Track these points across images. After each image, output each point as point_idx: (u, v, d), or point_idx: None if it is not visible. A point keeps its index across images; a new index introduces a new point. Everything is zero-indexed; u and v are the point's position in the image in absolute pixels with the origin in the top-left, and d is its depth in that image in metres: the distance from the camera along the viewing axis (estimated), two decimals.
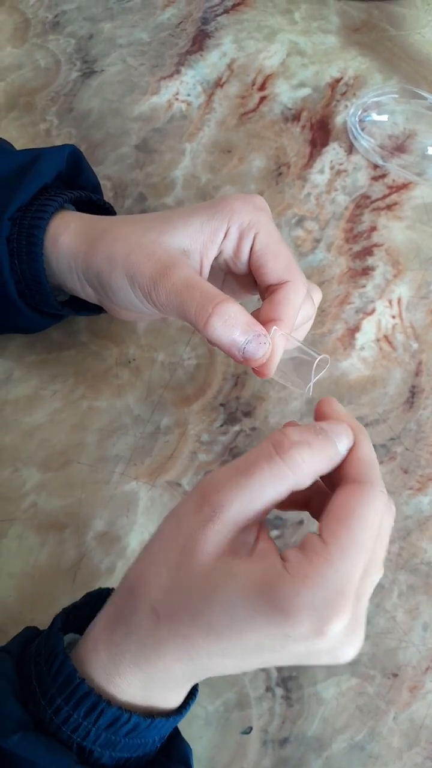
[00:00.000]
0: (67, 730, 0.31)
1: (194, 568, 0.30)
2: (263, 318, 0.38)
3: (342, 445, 0.32)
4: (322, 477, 0.33)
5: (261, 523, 0.32)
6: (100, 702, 0.31)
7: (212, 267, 0.42)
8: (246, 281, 0.43)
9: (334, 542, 0.29)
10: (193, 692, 0.35)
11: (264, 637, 0.28)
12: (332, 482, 0.33)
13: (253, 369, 0.39)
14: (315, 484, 0.33)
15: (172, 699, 0.33)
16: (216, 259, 0.41)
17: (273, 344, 0.37)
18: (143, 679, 0.31)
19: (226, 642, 0.29)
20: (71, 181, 0.47)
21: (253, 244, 0.40)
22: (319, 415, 0.35)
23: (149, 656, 0.31)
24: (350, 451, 0.33)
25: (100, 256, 0.40)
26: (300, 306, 0.40)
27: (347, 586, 0.28)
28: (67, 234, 0.42)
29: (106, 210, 0.48)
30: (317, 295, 0.43)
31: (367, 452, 0.33)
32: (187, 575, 0.30)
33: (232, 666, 0.31)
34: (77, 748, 0.31)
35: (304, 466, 0.30)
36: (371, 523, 0.30)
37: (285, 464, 0.30)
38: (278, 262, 0.40)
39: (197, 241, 0.39)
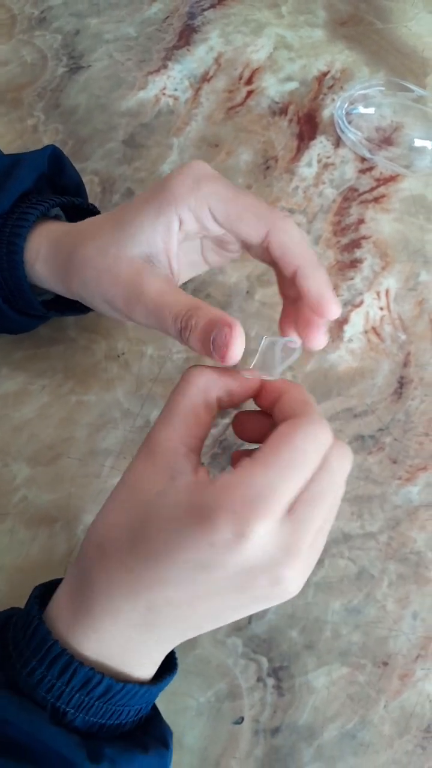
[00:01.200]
0: (41, 691, 0.31)
1: (135, 498, 0.32)
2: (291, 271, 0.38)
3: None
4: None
5: (198, 460, 0.34)
6: (72, 662, 0.31)
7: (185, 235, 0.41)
8: (225, 238, 0.41)
9: (259, 457, 0.30)
10: (171, 668, 0.36)
11: (192, 551, 0.29)
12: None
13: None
14: (268, 422, 0.35)
15: (145, 665, 0.34)
16: (187, 234, 0.40)
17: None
18: (99, 631, 0.32)
19: (162, 566, 0.30)
20: (54, 181, 0.47)
21: (213, 217, 0.38)
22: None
23: (99, 599, 0.32)
24: (282, 395, 0.34)
25: (76, 282, 0.40)
26: (299, 238, 0.37)
27: (268, 491, 0.29)
28: (39, 263, 0.42)
29: (89, 211, 0.48)
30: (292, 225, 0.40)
31: (300, 393, 0.34)
32: (129, 506, 0.32)
33: (177, 602, 0.31)
34: (51, 709, 0.32)
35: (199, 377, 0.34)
36: (301, 447, 0.30)
37: (186, 382, 0.34)
38: (247, 221, 0.37)
39: (156, 242, 0.38)
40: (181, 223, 0.38)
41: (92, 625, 0.32)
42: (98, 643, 0.32)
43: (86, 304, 0.42)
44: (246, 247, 0.41)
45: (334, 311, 0.37)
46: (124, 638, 0.32)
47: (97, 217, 0.42)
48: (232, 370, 0.35)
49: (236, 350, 0.34)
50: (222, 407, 0.36)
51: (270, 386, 0.36)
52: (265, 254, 0.39)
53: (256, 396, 0.36)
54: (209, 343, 0.34)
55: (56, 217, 0.48)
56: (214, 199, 0.37)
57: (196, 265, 0.45)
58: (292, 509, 0.30)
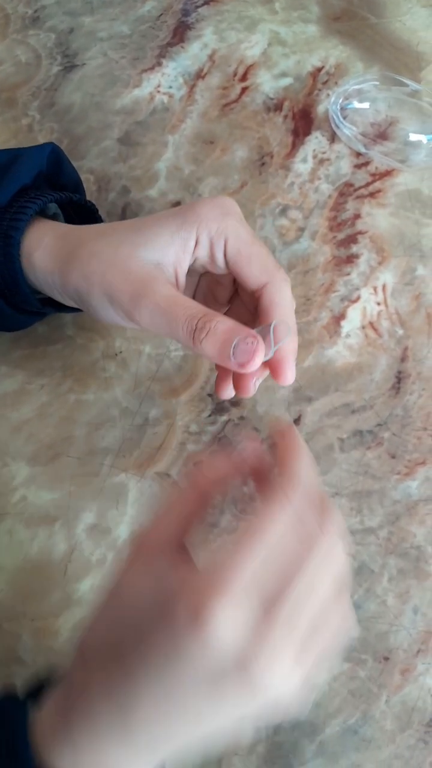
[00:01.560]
0: None
1: (113, 600, 0.30)
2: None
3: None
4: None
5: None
6: None
7: (189, 271, 0.42)
8: (225, 281, 0.44)
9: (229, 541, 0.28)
10: None
11: (156, 645, 0.27)
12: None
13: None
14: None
15: None
16: (192, 264, 0.41)
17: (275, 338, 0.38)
18: (77, 742, 0.29)
19: (131, 662, 0.28)
20: (53, 179, 0.47)
21: (225, 250, 0.40)
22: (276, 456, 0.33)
23: (77, 703, 0.29)
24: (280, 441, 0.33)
25: (76, 274, 0.40)
26: (289, 302, 0.40)
27: (228, 570, 0.26)
28: (41, 250, 0.41)
29: (88, 209, 0.48)
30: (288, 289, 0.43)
31: (295, 458, 0.32)
32: (107, 608, 0.30)
33: (149, 702, 0.28)
34: None
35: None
36: (275, 529, 0.28)
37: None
38: (253, 266, 0.40)
39: (169, 253, 0.39)
40: (196, 245, 0.39)
41: (70, 734, 0.29)
42: (73, 755, 0.29)
43: (76, 300, 0.41)
44: (240, 289, 0.43)
45: (287, 379, 0.39)
46: (100, 749, 0.29)
47: (113, 222, 0.43)
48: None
49: (259, 361, 0.36)
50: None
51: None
52: (249, 303, 0.42)
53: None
54: (227, 350, 0.36)
55: (54, 216, 0.48)
56: (233, 235, 0.39)
57: None
58: (268, 599, 0.27)
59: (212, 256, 0.40)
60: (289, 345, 0.39)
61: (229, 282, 0.44)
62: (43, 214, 0.45)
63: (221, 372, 0.43)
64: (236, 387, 0.41)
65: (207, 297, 0.45)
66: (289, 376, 0.39)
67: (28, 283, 0.43)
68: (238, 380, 0.40)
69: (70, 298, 0.42)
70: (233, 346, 0.36)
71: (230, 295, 0.45)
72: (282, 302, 0.39)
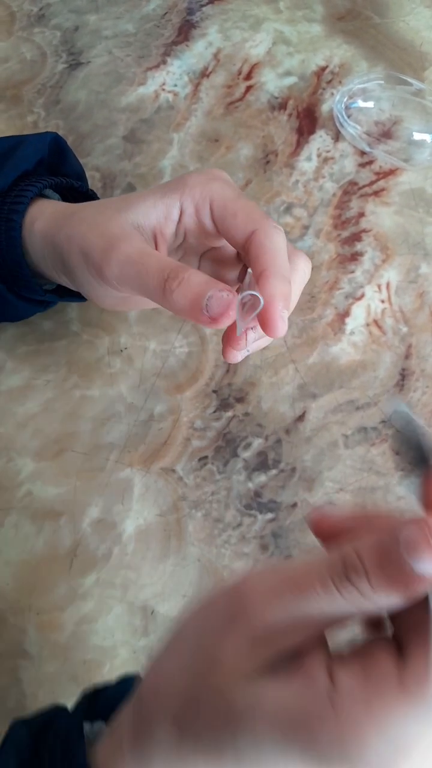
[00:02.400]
0: None
1: (218, 683, 0.24)
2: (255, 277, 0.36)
3: (422, 567, 0.23)
4: None
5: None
6: None
7: (185, 250, 0.42)
8: (228, 259, 0.43)
9: (415, 687, 0.22)
10: None
11: None
12: None
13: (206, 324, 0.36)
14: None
15: None
16: (186, 240, 0.41)
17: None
18: None
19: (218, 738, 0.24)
20: (55, 169, 0.47)
21: (212, 213, 0.39)
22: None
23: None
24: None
25: (62, 235, 0.40)
26: (280, 247, 0.36)
27: (411, 748, 0.22)
28: (42, 219, 0.42)
29: (90, 198, 0.48)
30: (304, 263, 0.40)
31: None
32: (211, 691, 0.25)
33: None
34: None
35: (366, 602, 0.23)
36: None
37: (342, 596, 0.24)
38: (238, 217, 0.37)
39: (150, 217, 0.38)
40: (182, 213, 0.39)
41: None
42: None
43: (63, 269, 0.41)
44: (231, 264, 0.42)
45: (277, 328, 0.34)
46: None
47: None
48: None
49: (232, 316, 0.34)
50: None
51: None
52: (243, 253, 0.38)
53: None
54: (200, 302, 0.33)
55: None
56: (218, 195, 0.38)
57: None
58: None
59: (200, 224, 0.39)
60: (276, 289, 0.34)
61: (232, 259, 0.43)
62: (44, 196, 0.45)
63: (227, 333, 0.39)
64: (225, 341, 0.38)
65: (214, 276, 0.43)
66: (279, 326, 0.34)
67: (29, 266, 0.43)
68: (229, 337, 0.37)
69: (60, 269, 0.42)
70: (207, 298, 0.33)
71: (238, 274, 0.43)
72: (271, 246, 0.36)
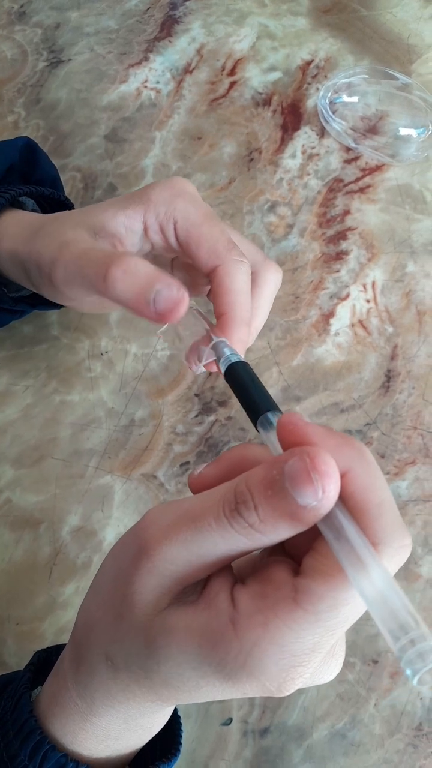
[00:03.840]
0: None
1: (134, 620, 0.26)
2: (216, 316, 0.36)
3: (305, 499, 0.23)
4: None
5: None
6: (46, 744, 0.29)
7: (153, 257, 0.41)
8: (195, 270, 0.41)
9: (307, 603, 0.23)
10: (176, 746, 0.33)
11: (222, 692, 0.25)
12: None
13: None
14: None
15: (156, 723, 0.31)
16: (153, 249, 0.39)
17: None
18: (124, 716, 0.29)
19: (186, 694, 0.26)
20: (28, 174, 0.46)
21: (176, 234, 0.37)
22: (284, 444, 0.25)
23: (120, 698, 0.28)
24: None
25: (25, 254, 0.39)
26: (240, 288, 0.36)
27: (309, 656, 0.24)
28: (7, 239, 0.41)
29: (63, 203, 0.47)
30: (274, 275, 0.40)
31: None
32: (129, 627, 0.26)
33: (193, 699, 0.27)
34: None
35: (258, 535, 0.24)
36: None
37: (234, 529, 0.24)
38: (201, 247, 0.36)
39: (108, 226, 0.37)
40: (146, 229, 0.37)
41: (111, 713, 0.29)
42: (111, 724, 0.30)
43: (30, 284, 0.41)
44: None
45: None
46: (141, 716, 0.30)
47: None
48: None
49: (184, 309, 0.32)
50: None
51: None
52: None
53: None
54: (147, 294, 0.32)
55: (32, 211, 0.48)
56: (182, 217, 0.37)
57: None
58: None
59: (166, 241, 0.38)
60: (234, 336, 0.35)
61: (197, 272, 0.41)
62: (17, 205, 0.44)
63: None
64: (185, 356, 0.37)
65: (186, 284, 0.42)
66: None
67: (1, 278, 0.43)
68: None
69: (30, 284, 0.41)
70: (154, 291, 0.32)
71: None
72: (232, 286, 0.35)
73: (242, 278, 0.36)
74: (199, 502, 0.25)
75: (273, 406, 0.29)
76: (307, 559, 0.24)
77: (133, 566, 0.26)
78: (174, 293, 0.32)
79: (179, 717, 0.35)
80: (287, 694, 0.25)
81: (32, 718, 0.30)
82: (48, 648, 0.35)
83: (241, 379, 0.32)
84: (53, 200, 0.46)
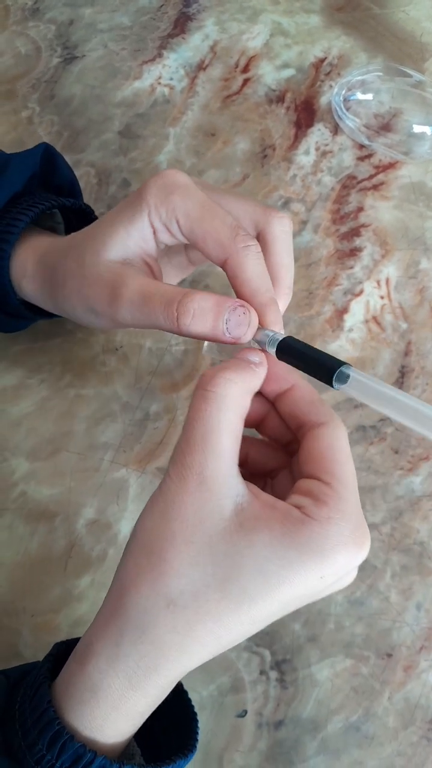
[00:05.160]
0: (32, 761, 0.30)
1: (211, 537, 0.29)
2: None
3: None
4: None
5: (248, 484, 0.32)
6: (64, 735, 0.30)
7: (174, 247, 0.41)
8: None
9: (336, 482, 0.30)
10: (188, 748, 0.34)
11: (299, 585, 0.29)
12: (289, 424, 0.35)
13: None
14: (265, 406, 0.36)
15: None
16: (167, 246, 0.40)
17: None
18: (164, 685, 0.30)
19: (259, 606, 0.29)
20: (47, 180, 0.47)
21: (181, 231, 0.37)
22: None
23: (171, 656, 0.29)
24: (299, 396, 0.34)
25: (60, 299, 0.41)
26: (255, 274, 0.36)
27: (360, 515, 0.30)
28: (26, 280, 0.43)
29: (83, 211, 0.47)
30: (280, 226, 0.40)
31: (313, 393, 0.34)
32: (205, 547, 0.29)
33: (247, 632, 0.31)
34: None
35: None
36: (349, 453, 0.32)
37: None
38: (207, 243, 0.36)
39: (130, 246, 0.38)
40: (155, 231, 0.38)
41: (154, 680, 0.30)
42: (147, 698, 0.31)
43: (74, 319, 0.42)
44: None
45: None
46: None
47: (78, 231, 0.42)
48: (243, 361, 0.34)
49: (255, 328, 0.35)
50: None
51: (276, 374, 0.35)
52: None
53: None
54: (220, 326, 0.34)
55: (52, 215, 0.48)
56: (182, 215, 0.37)
57: (183, 266, 0.45)
58: None
59: (175, 237, 0.38)
60: (266, 318, 0.36)
61: None
62: (37, 217, 0.45)
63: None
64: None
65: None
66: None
67: (18, 295, 0.44)
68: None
69: (67, 317, 0.43)
70: (224, 321, 0.34)
71: None
72: (245, 276, 0.36)
73: (253, 263, 0.36)
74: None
75: (338, 363, 0.33)
76: (310, 459, 0.32)
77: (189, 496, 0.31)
78: (240, 314, 0.34)
79: (195, 714, 0.35)
80: (366, 554, 0.30)
81: (51, 708, 0.30)
82: (68, 640, 0.36)
83: (295, 353, 0.35)
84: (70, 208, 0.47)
